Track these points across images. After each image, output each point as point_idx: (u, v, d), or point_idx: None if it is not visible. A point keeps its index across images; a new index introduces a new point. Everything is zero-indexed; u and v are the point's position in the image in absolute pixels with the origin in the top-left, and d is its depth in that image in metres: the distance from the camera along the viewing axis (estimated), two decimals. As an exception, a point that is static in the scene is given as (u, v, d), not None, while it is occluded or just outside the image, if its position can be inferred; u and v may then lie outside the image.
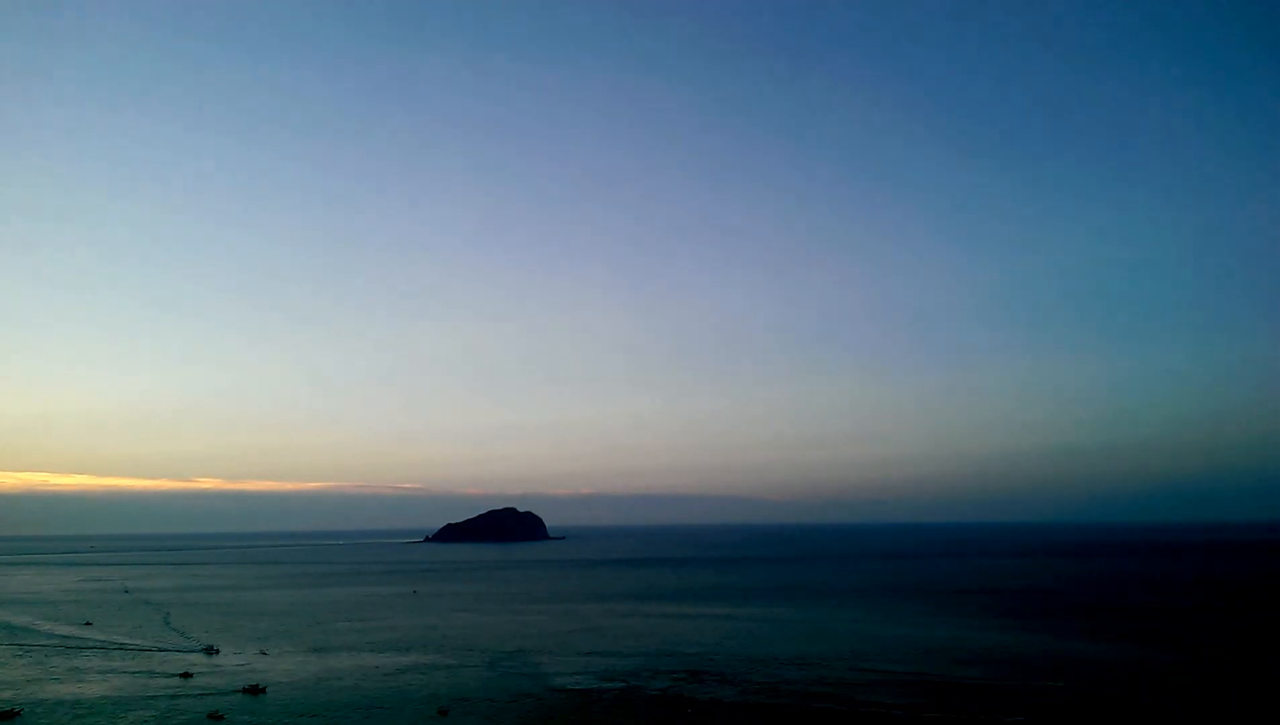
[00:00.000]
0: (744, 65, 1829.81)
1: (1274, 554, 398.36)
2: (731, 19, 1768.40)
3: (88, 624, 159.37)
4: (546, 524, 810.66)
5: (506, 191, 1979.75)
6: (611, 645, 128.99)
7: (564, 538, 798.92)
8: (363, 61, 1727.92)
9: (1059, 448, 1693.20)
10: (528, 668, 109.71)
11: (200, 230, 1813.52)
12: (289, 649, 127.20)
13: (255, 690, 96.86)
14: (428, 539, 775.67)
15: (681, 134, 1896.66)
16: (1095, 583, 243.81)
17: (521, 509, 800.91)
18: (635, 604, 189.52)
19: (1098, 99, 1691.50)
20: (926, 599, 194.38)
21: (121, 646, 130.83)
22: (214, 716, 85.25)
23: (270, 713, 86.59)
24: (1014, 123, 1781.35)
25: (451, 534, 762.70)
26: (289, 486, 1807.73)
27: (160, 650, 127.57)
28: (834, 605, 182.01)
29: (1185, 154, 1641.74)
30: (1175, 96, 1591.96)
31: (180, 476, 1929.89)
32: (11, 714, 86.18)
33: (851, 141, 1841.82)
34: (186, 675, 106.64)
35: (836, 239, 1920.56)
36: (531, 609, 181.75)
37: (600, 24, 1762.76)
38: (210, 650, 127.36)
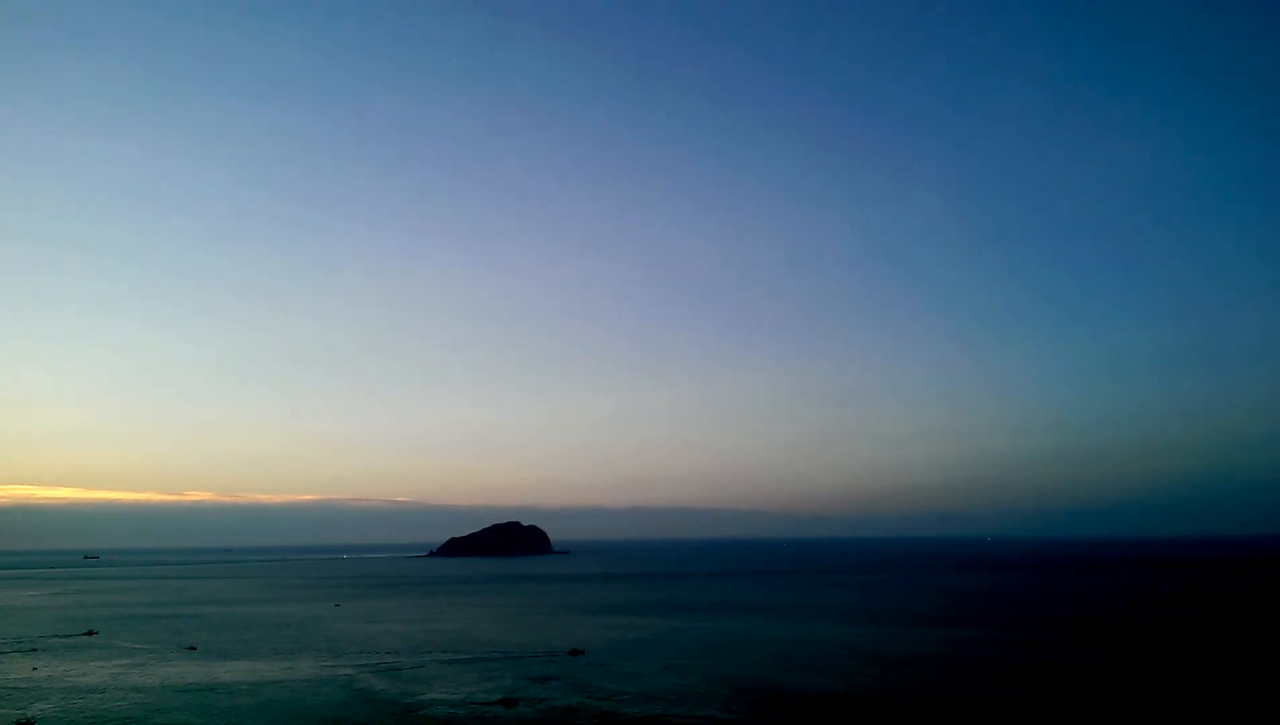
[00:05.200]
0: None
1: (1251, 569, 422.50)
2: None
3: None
4: (549, 537, 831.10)
5: (506, 177, 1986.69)
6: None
7: (568, 552, 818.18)
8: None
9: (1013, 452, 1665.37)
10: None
11: (187, 237, 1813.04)
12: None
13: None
14: (432, 553, 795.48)
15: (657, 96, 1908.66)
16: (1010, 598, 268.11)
17: (521, 522, 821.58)
18: (631, 617, 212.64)
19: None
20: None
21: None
22: None
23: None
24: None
25: (456, 548, 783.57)
26: (281, 498, 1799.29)
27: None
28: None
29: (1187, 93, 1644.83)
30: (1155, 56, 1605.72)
31: (171, 489, 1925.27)
32: None
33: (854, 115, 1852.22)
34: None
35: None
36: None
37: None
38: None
